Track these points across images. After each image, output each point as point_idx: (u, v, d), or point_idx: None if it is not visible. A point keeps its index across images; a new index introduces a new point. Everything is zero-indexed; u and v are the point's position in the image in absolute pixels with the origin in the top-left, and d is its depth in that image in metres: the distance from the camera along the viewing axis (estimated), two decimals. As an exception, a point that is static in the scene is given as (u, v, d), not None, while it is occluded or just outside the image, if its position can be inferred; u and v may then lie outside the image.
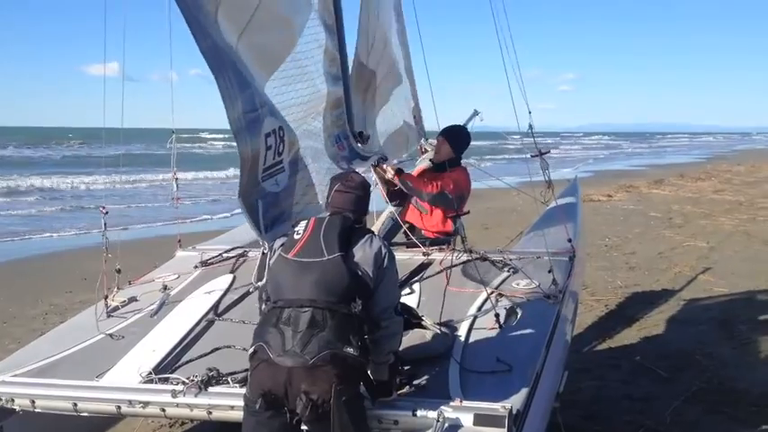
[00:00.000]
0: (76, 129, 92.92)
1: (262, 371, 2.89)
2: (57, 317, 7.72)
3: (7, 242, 13.17)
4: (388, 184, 5.48)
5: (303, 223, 3.17)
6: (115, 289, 4.64)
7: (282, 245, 3.14)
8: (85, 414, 3.48)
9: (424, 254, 4.85)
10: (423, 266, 4.73)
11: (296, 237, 3.11)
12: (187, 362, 3.68)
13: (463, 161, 5.59)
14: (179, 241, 5.48)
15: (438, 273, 4.61)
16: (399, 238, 5.48)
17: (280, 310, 2.97)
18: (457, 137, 5.53)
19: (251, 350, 2.97)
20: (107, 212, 4.39)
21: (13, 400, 3.50)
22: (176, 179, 5.08)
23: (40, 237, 13.82)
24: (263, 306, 3.13)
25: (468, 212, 5.49)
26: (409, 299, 4.20)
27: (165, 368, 3.61)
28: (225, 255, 5.11)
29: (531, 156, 5.63)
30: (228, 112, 3.18)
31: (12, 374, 3.68)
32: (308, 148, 4.21)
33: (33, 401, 3.47)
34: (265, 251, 3.36)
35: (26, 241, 13.40)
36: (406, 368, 3.39)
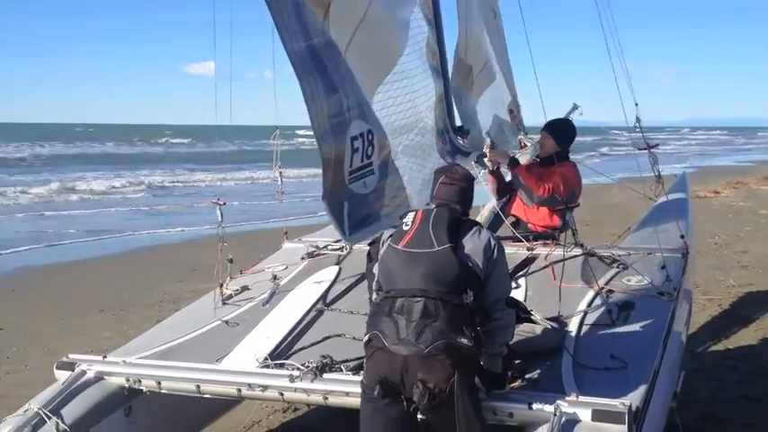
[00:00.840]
0: (174, 126, 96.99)
1: (378, 358, 2.94)
2: (171, 304, 8.10)
3: (121, 236, 13.91)
4: (494, 174, 5.35)
5: (411, 215, 3.19)
6: (228, 278, 4.82)
7: (391, 236, 3.18)
8: (207, 396, 3.62)
9: (529, 248, 4.78)
10: (527, 261, 4.67)
11: (404, 228, 3.13)
12: (300, 349, 3.78)
13: (571, 156, 5.40)
14: (285, 233, 5.63)
15: (544, 267, 4.53)
16: (502, 231, 5.39)
17: (392, 300, 3.00)
18: (560, 130, 5.30)
19: (366, 338, 3.02)
20: (224, 203, 4.56)
21: (140, 381, 3.67)
22: (281, 173, 5.20)
23: (149, 231, 14.52)
24: (374, 296, 3.18)
25: (579, 205, 5.34)
26: (515, 293, 4.15)
27: (280, 355, 3.71)
28: (331, 247, 5.22)
29: (639, 149, 5.42)
30: (312, 115, 3.14)
31: (138, 356, 3.87)
32: (418, 145, 4.21)
33: (159, 382, 3.64)
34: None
35: (138, 235, 14.11)
36: (517, 362, 3.37)
